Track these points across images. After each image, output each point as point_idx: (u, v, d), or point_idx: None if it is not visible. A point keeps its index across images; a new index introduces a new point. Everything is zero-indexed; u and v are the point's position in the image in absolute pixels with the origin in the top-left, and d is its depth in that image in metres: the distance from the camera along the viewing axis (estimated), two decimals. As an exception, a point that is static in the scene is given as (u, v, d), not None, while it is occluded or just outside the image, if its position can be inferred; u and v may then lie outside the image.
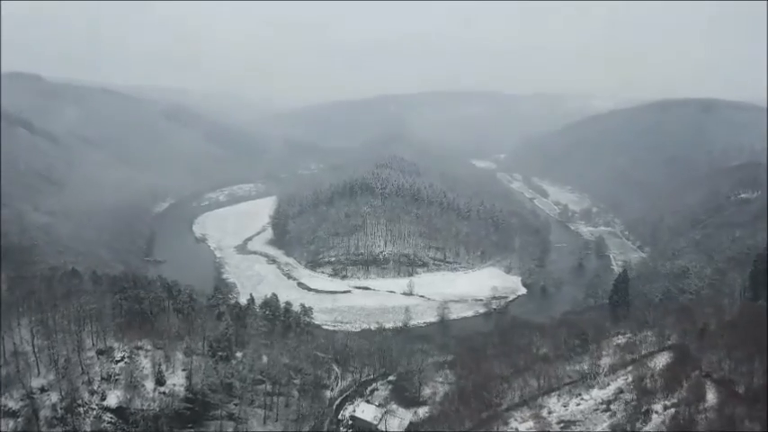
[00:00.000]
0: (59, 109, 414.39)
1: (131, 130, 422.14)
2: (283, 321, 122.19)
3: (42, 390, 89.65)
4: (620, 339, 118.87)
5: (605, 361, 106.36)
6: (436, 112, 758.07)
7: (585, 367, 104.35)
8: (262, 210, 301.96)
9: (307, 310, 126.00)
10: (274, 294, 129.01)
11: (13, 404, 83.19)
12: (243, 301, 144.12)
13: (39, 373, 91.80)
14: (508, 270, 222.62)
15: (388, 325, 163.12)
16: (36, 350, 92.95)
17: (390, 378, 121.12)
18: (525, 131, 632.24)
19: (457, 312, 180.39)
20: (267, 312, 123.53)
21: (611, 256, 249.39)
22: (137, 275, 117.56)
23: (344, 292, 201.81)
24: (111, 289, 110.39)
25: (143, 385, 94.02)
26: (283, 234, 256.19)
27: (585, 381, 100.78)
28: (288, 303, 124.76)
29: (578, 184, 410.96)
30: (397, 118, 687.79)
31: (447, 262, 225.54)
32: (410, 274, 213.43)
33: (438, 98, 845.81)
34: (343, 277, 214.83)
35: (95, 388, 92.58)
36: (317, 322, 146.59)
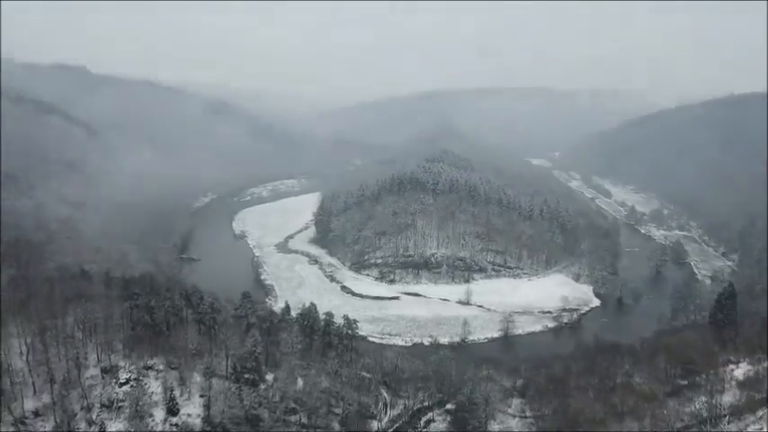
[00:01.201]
0: (101, 100, 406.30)
1: (174, 123, 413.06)
2: (323, 337, 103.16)
3: (36, 414, 74.78)
4: (736, 370, 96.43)
5: (725, 399, 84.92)
6: (486, 109, 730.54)
7: (702, 409, 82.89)
8: (305, 206, 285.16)
9: (351, 324, 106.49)
10: (313, 304, 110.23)
11: (4, 428, 69.84)
12: (282, 304, 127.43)
13: (35, 392, 76.63)
14: (577, 277, 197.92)
15: (444, 339, 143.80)
16: (31, 366, 77.72)
17: (449, 407, 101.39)
18: (580, 129, 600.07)
19: (522, 326, 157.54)
20: (305, 324, 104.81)
21: (691, 264, 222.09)
22: (154, 278, 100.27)
23: (392, 298, 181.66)
24: (123, 294, 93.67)
25: (151, 415, 77.49)
26: (326, 232, 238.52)
27: (704, 427, 79.15)
28: (328, 315, 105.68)
29: (643, 184, 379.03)
30: (446, 114, 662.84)
31: (508, 267, 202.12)
32: (466, 281, 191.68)
33: (488, 94, 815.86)
34: (391, 281, 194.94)
35: (94, 417, 76.38)
36: (362, 333, 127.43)
